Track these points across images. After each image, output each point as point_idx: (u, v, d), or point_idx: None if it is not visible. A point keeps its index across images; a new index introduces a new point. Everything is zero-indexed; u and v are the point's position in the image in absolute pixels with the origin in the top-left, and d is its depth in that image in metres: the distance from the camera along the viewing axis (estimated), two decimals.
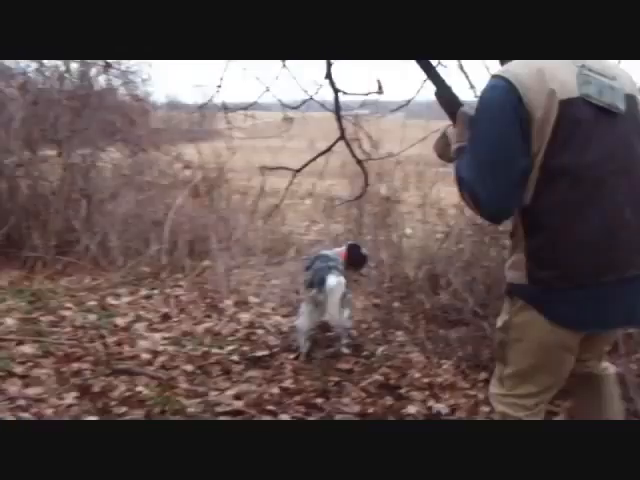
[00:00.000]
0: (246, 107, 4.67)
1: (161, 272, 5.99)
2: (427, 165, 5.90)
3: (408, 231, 6.07)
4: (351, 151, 4.21)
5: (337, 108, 3.99)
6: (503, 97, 1.94)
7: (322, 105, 4.40)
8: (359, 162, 4.30)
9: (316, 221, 8.13)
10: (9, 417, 3.22)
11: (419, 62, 2.43)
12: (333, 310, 4.14)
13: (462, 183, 2.01)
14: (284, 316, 5.11)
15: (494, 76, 2.01)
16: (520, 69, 1.96)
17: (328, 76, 3.85)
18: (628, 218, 1.99)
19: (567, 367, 2.16)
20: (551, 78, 1.93)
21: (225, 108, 5.07)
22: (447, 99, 2.31)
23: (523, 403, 2.18)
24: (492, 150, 1.94)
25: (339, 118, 4.01)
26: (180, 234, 6.46)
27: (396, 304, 5.25)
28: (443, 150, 2.30)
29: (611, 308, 2.03)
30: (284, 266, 6.53)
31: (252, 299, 5.51)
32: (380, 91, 4.23)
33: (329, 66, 3.81)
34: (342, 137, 4.08)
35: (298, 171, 4.60)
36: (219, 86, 4.58)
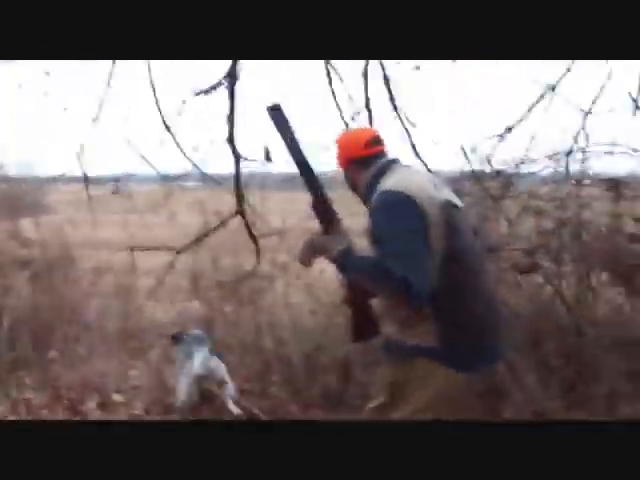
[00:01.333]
0: (117, 179, 4.15)
1: (2, 370, 5.10)
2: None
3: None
4: (248, 227, 3.81)
5: (237, 176, 3.58)
6: (407, 205, 2.38)
7: (205, 174, 4.01)
8: (255, 239, 3.90)
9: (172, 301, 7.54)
10: None
11: (303, 174, 2.54)
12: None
13: (388, 277, 2.29)
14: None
15: (392, 191, 2.44)
16: (410, 184, 2.45)
17: (230, 140, 3.46)
18: (489, 289, 2.63)
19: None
20: (428, 188, 2.45)
21: (85, 179, 4.53)
22: (324, 209, 2.54)
23: None
24: (414, 246, 2.33)
25: (239, 188, 3.60)
26: (21, 322, 5.63)
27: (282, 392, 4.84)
28: (308, 256, 2.62)
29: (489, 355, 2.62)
30: (143, 352, 5.90)
31: (116, 397, 4.81)
32: (268, 159, 3.94)
33: (231, 128, 3.43)
34: (240, 211, 3.66)
35: (179, 252, 4.11)
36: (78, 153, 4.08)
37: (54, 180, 6.54)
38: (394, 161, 2.66)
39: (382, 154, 2.69)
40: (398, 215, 2.40)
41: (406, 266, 2.29)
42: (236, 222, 4.92)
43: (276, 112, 2.47)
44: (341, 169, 2.76)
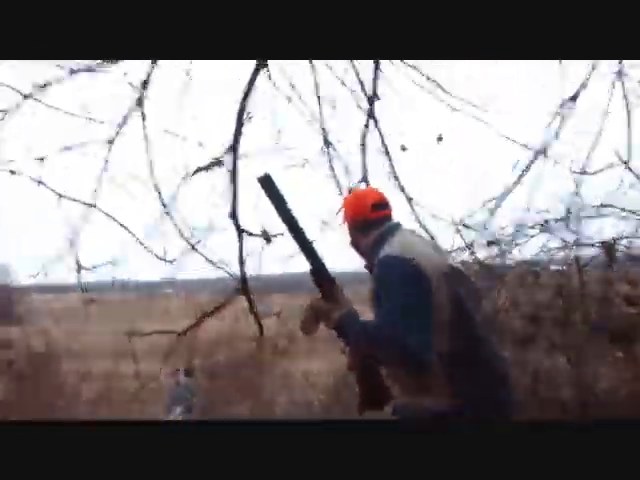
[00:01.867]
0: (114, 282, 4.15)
1: None
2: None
3: None
4: (250, 304, 3.80)
5: (240, 251, 3.62)
6: (408, 269, 2.37)
7: (205, 258, 4.02)
8: (257, 316, 3.89)
9: None
10: None
11: (298, 243, 2.49)
12: None
13: (390, 339, 2.30)
14: None
15: (393, 256, 2.43)
16: (412, 248, 2.45)
17: (233, 215, 3.52)
18: (496, 346, 2.56)
19: None
20: (428, 252, 2.46)
21: (82, 289, 4.50)
22: (321, 274, 2.49)
23: None
24: (416, 308, 2.31)
25: (242, 263, 3.63)
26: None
27: None
28: (310, 323, 2.51)
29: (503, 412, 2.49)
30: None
31: None
32: (268, 241, 3.96)
33: (234, 203, 3.49)
34: (244, 289, 3.67)
35: (180, 334, 4.07)
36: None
37: (30, 290, 6.44)
38: (397, 225, 2.66)
39: (387, 218, 2.67)
40: (400, 278, 2.40)
41: (408, 327, 2.29)
42: (232, 311, 4.90)
43: (267, 181, 2.44)
44: (345, 227, 2.72)
